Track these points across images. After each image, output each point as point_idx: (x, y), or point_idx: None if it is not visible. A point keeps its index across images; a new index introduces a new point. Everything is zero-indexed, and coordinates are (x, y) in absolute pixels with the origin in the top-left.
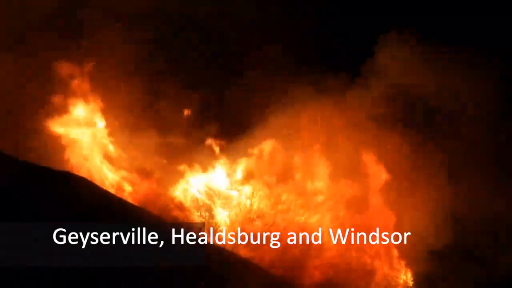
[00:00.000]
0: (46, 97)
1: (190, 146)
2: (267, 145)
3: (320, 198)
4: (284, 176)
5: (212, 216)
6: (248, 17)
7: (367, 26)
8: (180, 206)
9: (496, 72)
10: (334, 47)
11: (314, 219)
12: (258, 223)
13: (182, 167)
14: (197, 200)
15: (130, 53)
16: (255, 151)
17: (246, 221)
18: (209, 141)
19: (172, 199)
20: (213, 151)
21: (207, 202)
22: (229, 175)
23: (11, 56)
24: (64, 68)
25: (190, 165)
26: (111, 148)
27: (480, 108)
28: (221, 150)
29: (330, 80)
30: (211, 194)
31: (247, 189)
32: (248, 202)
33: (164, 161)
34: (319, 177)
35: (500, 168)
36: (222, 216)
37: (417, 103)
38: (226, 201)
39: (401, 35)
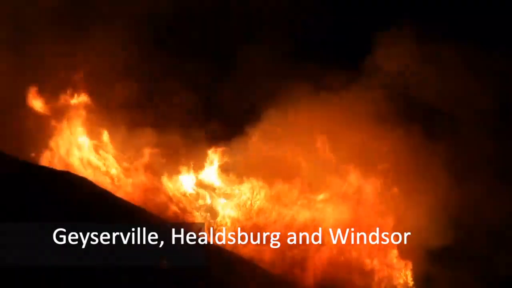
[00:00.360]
0: (43, 95)
1: (190, 144)
2: (267, 143)
3: (320, 197)
4: (285, 174)
5: (212, 216)
6: (246, 13)
7: (367, 21)
8: (179, 206)
9: (504, 70)
10: (333, 43)
11: (314, 218)
12: (258, 223)
13: (181, 166)
14: (197, 199)
15: (126, 52)
16: (256, 149)
17: (246, 221)
18: (209, 139)
19: (171, 199)
20: (213, 149)
21: (207, 202)
22: (229, 174)
23: (10, 55)
24: (61, 67)
25: (190, 164)
26: (108, 146)
27: (483, 109)
28: (221, 148)
29: (330, 77)
30: (211, 193)
31: (247, 188)
32: (248, 202)
33: (163, 160)
34: (320, 176)
35: (502, 169)
36: (222, 216)
37: (419, 102)
38: (226, 200)
39: (401, 31)
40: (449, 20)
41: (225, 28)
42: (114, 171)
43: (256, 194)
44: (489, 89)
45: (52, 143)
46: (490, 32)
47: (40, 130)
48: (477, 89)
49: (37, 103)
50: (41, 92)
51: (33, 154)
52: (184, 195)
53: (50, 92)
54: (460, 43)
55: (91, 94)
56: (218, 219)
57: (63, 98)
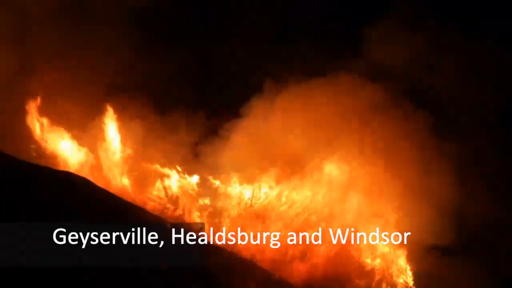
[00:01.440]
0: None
1: (189, 144)
2: (268, 141)
3: (320, 196)
4: (286, 172)
5: (212, 216)
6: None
7: (364, 11)
8: (180, 206)
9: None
10: (329, 30)
11: (314, 218)
12: (258, 222)
13: (181, 165)
14: (197, 199)
15: (122, 50)
16: (256, 147)
17: (246, 221)
18: (207, 137)
19: (170, 198)
20: (212, 149)
21: (207, 202)
22: (229, 173)
23: (10, 55)
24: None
25: (189, 163)
26: (106, 144)
27: (488, 108)
28: (221, 147)
29: (326, 69)
30: (211, 193)
31: (247, 187)
32: (248, 201)
33: (163, 159)
34: (319, 175)
35: (504, 169)
36: (222, 216)
37: (419, 101)
38: (226, 200)
39: (399, 21)
40: (450, 15)
41: (218, 21)
42: (109, 170)
43: (257, 193)
44: (494, 88)
45: (52, 142)
46: (495, 30)
47: (40, 130)
48: (482, 88)
49: (36, 103)
50: (41, 92)
51: (33, 154)
52: (184, 195)
53: (50, 92)
54: (463, 40)
55: (88, 92)
56: (218, 219)
57: (63, 98)
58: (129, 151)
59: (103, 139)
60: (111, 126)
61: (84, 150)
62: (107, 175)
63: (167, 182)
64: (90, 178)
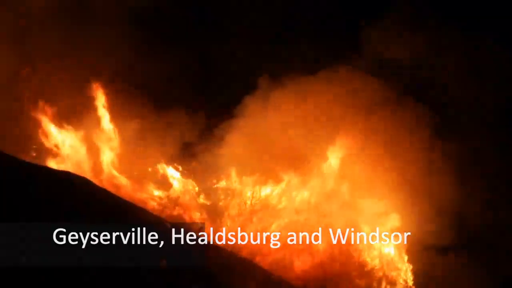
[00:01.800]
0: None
1: (189, 144)
2: (268, 139)
3: (320, 195)
4: (285, 171)
5: (212, 216)
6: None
7: (364, 8)
8: (179, 205)
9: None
10: (329, 30)
11: (314, 217)
12: (258, 222)
13: (180, 165)
14: (196, 199)
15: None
16: (256, 146)
17: (247, 220)
18: (208, 138)
19: (170, 198)
20: (212, 148)
21: (206, 201)
22: (230, 172)
23: (10, 55)
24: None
25: (189, 162)
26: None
27: (489, 108)
28: (220, 146)
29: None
30: (211, 192)
31: (248, 187)
32: (248, 201)
33: (162, 159)
34: (319, 173)
35: (505, 169)
36: (222, 215)
37: (420, 101)
38: (227, 200)
39: (400, 18)
40: (450, 15)
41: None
42: (109, 169)
43: (257, 193)
44: (494, 88)
45: (51, 143)
46: (495, 30)
47: (40, 130)
48: (482, 88)
49: (36, 103)
50: (41, 92)
51: (33, 154)
52: (184, 194)
53: (50, 92)
54: (463, 40)
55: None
56: (219, 219)
57: (62, 97)
58: (128, 150)
59: (102, 138)
60: (107, 122)
61: (84, 148)
62: (106, 174)
63: (167, 181)
64: (89, 177)
